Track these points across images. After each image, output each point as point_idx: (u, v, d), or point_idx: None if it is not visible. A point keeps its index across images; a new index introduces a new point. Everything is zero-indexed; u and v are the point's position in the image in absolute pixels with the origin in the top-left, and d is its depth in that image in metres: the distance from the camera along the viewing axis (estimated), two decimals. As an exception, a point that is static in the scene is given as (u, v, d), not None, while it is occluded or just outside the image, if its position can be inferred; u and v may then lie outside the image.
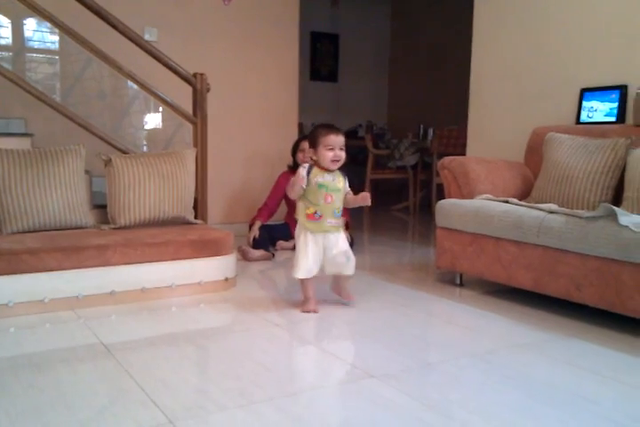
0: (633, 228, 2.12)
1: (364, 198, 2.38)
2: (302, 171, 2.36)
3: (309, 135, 2.44)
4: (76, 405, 1.56)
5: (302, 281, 2.45)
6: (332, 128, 2.38)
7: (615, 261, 2.17)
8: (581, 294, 2.31)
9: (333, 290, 2.60)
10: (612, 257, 2.17)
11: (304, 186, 2.35)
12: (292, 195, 2.41)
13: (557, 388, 1.73)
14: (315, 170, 2.37)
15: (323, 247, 2.40)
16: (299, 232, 2.43)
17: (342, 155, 2.35)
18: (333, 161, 2.34)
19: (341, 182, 2.40)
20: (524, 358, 1.97)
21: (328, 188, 2.35)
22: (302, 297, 2.50)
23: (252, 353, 1.98)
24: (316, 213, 2.35)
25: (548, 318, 2.43)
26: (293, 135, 4.68)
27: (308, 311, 2.42)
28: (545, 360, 1.96)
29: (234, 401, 1.59)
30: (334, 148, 2.33)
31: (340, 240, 2.43)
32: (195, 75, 3.32)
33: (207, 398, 1.63)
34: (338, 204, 2.39)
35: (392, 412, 1.57)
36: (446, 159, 3.12)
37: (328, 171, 2.36)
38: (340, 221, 2.43)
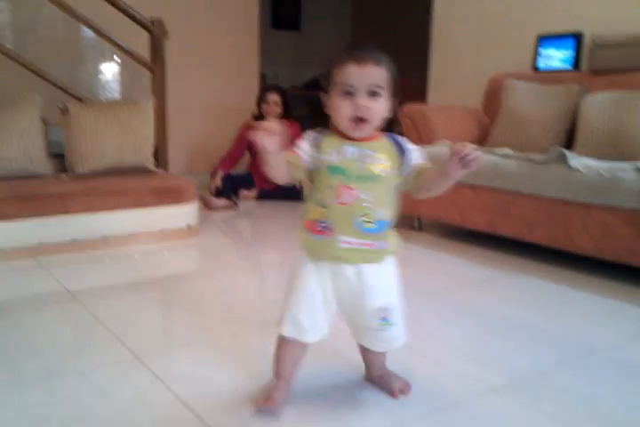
0: (582, 169, 2.20)
1: (466, 156, 1.20)
2: (302, 143, 1.22)
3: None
4: (42, 348, 1.59)
5: (280, 343, 1.31)
6: (357, 52, 1.20)
7: (565, 202, 2.27)
8: (532, 234, 2.42)
9: (368, 379, 1.42)
10: (562, 198, 2.27)
11: (303, 164, 1.21)
12: (283, 179, 1.22)
13: (506, 319, 1.83)
14: (328, 139, 1.22)
15: (334, 290, 1.26)
16: (297, 255, 1.30)
17: (373, 107, 1.18)
18: (354, 120, 1.18)
19: (384, 162, 1.23)
20: (477, 294, 2.08)
21: (348, 173, 1.19)
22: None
23: (217, 295, 2.03)
24: (319, 220, 1.21)
25: (501, 257, 2.54)
26: (254, 83, 4.63)
27: (261, 407, 1.25)
28: (495, 295, 2.07)
29: (199, 338, 1.64)
30: (355, 92, 1.17)
31: (379, 283, 1.25)
32: (152, 20, 3.23)
33: (173, 335, 1.68)
34: (368, 205, 1.19)
35: (352, 347, 1.64)
36: (407, 107, 3.15)
37: (353, 139, 1.21)
38: (379, 242, 1.23)
